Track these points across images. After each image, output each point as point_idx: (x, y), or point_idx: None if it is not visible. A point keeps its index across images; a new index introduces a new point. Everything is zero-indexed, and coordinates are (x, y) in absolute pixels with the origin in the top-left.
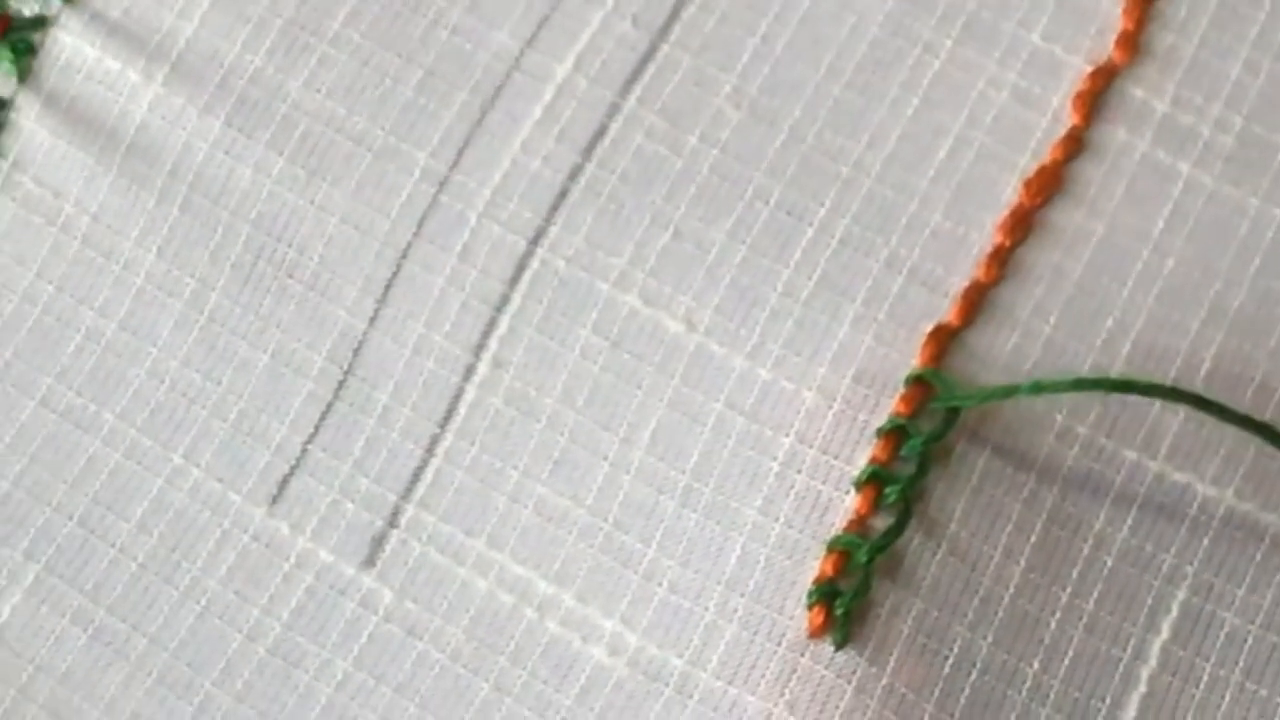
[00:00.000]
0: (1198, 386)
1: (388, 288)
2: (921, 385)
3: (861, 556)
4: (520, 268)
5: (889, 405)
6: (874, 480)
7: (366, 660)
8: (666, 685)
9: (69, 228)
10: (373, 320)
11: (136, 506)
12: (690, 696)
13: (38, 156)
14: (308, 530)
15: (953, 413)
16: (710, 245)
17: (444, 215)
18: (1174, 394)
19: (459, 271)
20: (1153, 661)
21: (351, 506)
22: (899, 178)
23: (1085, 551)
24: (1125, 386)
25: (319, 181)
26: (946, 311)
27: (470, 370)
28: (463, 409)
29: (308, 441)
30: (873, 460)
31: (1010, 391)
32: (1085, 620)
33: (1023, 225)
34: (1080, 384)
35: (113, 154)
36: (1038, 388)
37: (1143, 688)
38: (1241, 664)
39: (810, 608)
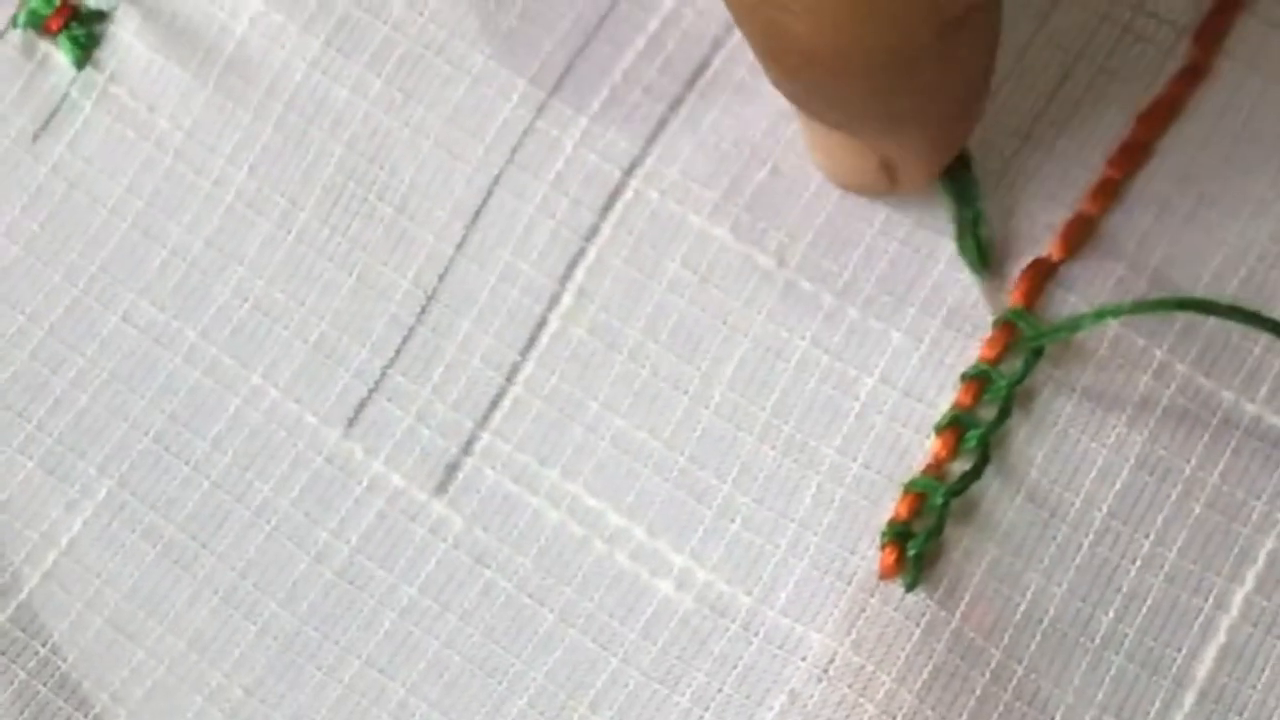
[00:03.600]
0: None
1: (477, 214)
2: (1009, 327)
3: (937, 499)
4: (613, 197)
5: (977, 348)
6: (954, 425)
7: (433, 586)
8: (733, 621)
9: (162, 143)
10: (460, 246)
11: (213, 425)
12: (755, 633)
13: (135, 70)
14: (382, 455)
15: (1035, 354)
16: (806, 186)
17: (539, 142)
18: (1256, 319)
19: (550, 199)
20: (1234, 612)
21: (427, 432)
22: (1000, 120)
23: (1172, 498)
24: (1195, 306)
25: (415, 104)
26: (1045, 247)
27: (555, 299)
28: (545, 338)
29: (388, 366)
30: (955, 405)
31: (1075, 324)
32: (1167, 569)
33: (1135, 158)
34: (1139, 306)
35: (210, 70)
36: (1101, 315)
37: (1221, 638)
38: None
39: (882, 549)
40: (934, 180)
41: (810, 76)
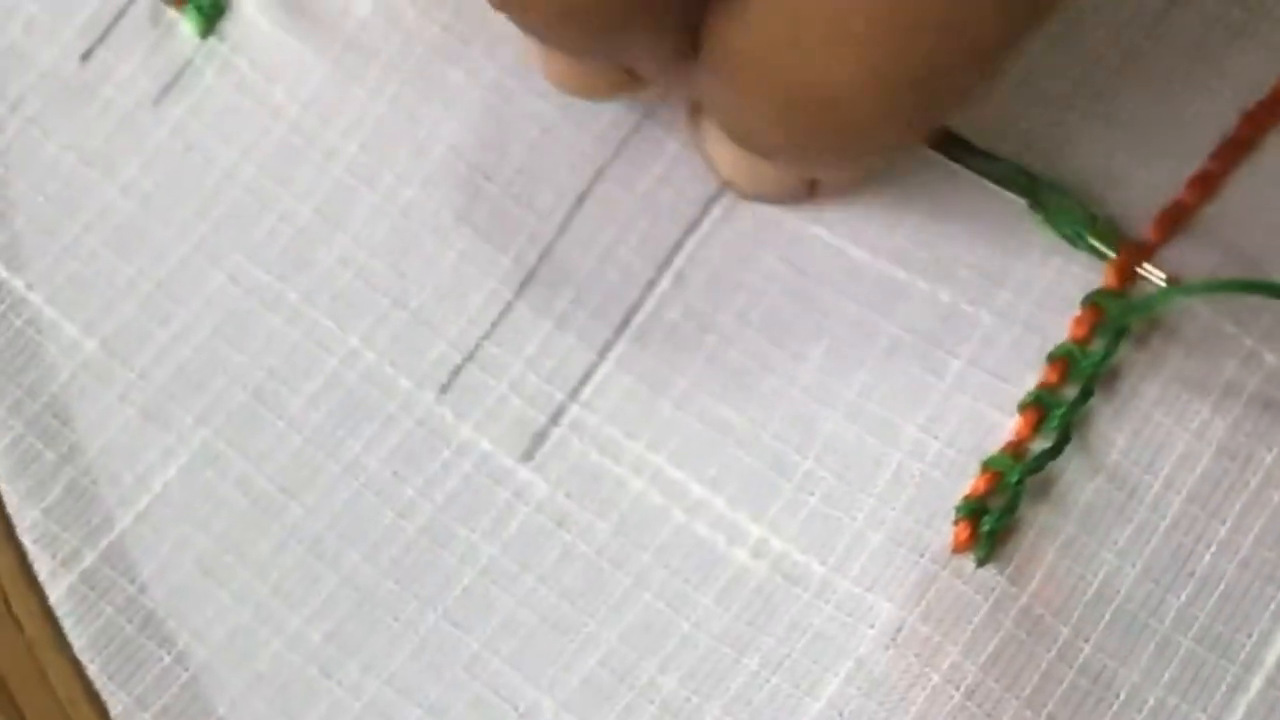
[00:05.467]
0: None
1: (581, 199)
2: (1097, 308)
3: (1013, 476)
4: (715, 196)
5: (1066, 329)
6: (1038, 404)
7: (513, 547)
8: (805, 590)
9: (278, 113)
10: (562, 228)
11: (309, 383)
12: (827, 601)
13: (256, 43)
14: (472, 420)
15: (1121, 333)
16: (898, 182)
17: (644, 140)
18: None
19: (653, 193)
20: None
21: (518, 402)
22: (1108, 112)
23: (1252, 486)
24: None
25: (526, 94)
26: (1142, 232)
27: (652, 284)
28: (639, 318)
29: (484, 337)
30: (1040, 384)
31: (1158, 301)
32: (1242, 555)
33: (1237, 154)
34: (1220, 285)
35: (329, 47)
36: (1186, 290)
37: None
38: None
39: (956, 523)
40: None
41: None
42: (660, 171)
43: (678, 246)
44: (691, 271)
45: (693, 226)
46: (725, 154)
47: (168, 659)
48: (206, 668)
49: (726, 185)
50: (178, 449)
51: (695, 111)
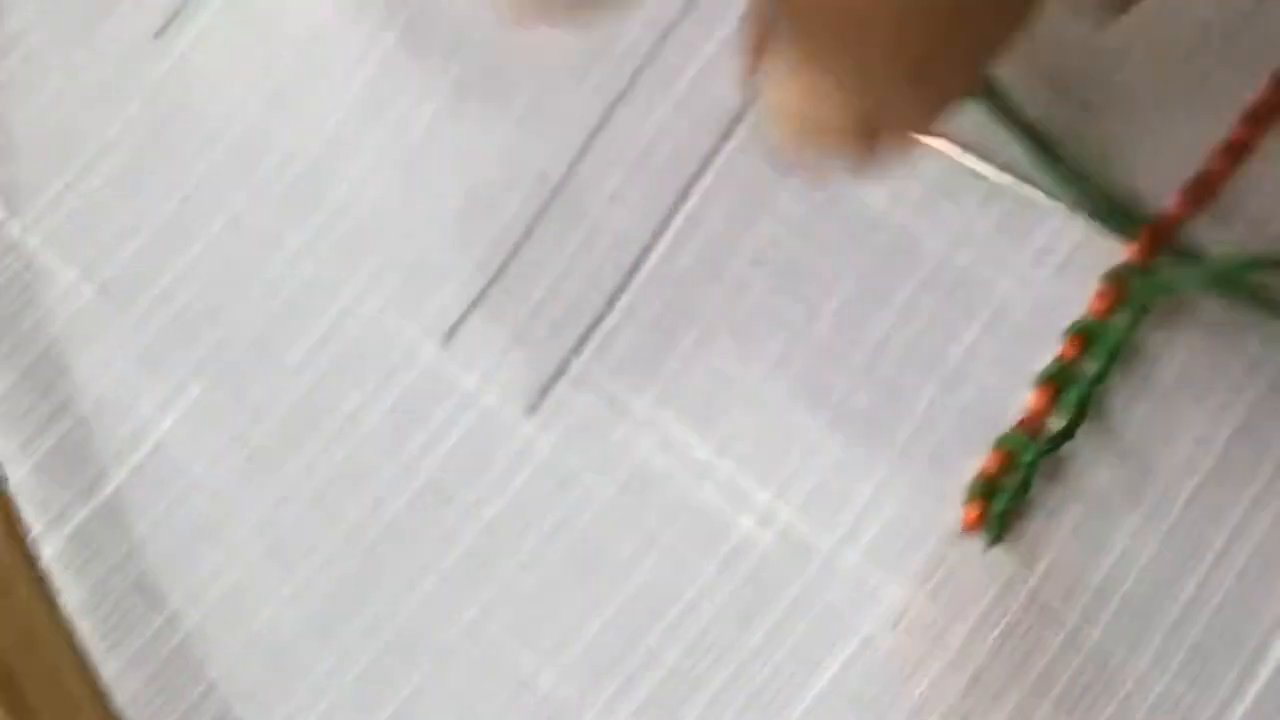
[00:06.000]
0: None
1: (594, 133)
2: (1120, 283)
3: (1027, 456)
4: (731, 125)
5: (1086, 302)
6: (1055, 378)
7: (515, 507)
8: (811, 562)
9: (288, 42)
10: (573, 165)
11: (309, 333)
12: (834, 575)
13: None
14: (476, 371)
15: (1142, 310)
16: (927, 140)
17: (662, 66)
18: None
19: (669, 122)
20: None
21: (523, 353)
22: (1130, 82)
23: (1268, 470)
24: None
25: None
26: (1167, 203)
27: (664, 225)
28: (648, 266)
29: (489, 284)
30: (1059, 358)
31: (1184, 282)
32: (1256, 538)
33: (1264, 121)
34: (1247, 264)
35: None
36: (1209, 274)
37: None
38: None
39: (967, 503)
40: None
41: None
42: (676, 100)
43: (694, 181)
44: (706, 210)
45: (710, 158)
46: (789, 97)
47: (159, 620)
48: (199, 630)
49: (785, 139)
50: (175, 400)
51: (757, 54)
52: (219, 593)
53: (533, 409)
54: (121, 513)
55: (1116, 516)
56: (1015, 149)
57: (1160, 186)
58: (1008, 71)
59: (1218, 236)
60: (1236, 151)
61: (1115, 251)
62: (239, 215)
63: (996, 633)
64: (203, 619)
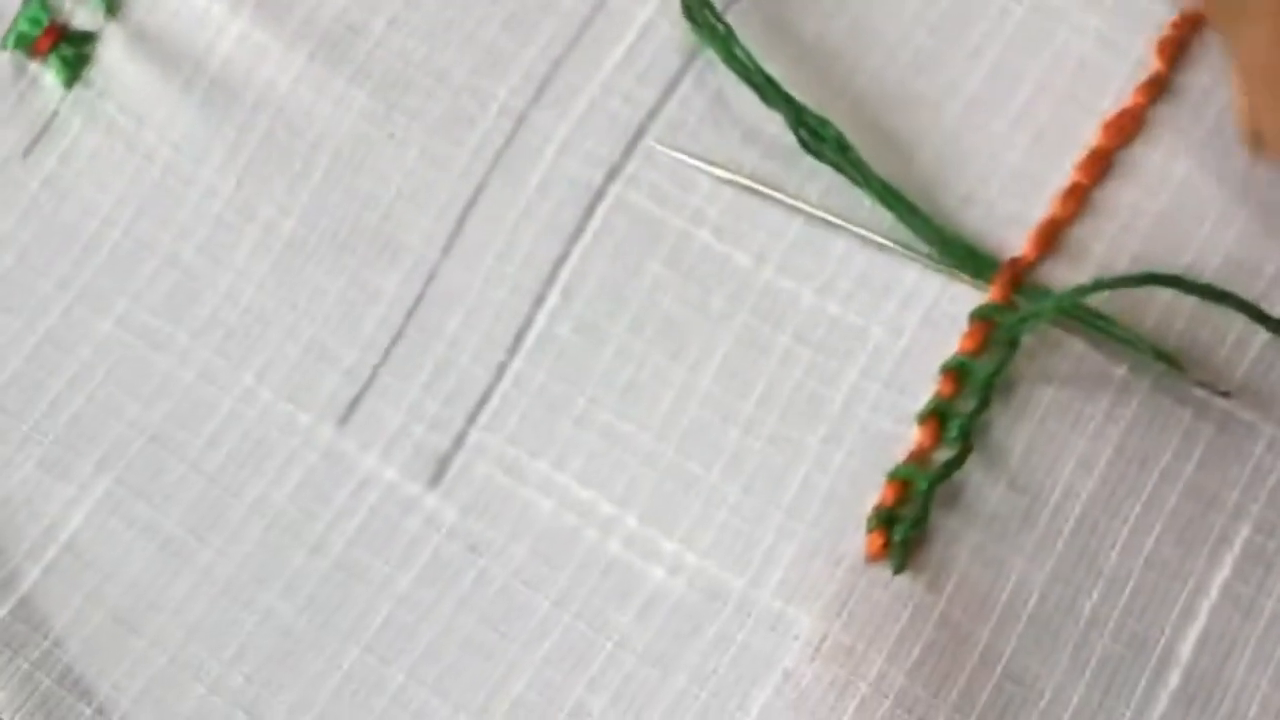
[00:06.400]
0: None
1: (461, 220)
2: (987, 321)
3: (921, 485)
4: (595, 201)
5: (955, 341)
6: (936, 414)
7: (428, 576)
8: (725, 604)
9: (151, 156)
10: (446, 250)
11: (207, 424)
12: (748, 614)
13: (123, 87)
14: (375, 450)
15: (1011, 345)
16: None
17: (521, 150)
18: (1219, 295)
19: (533, 204)
20: (1214, 595)
21: (419, 428)
22: (979, 120)
23: (1149, 487)
24: (1162, 281)
25: (398, 116)
26: (1020, 247)
27: (540, 299)
28: (531, 336)
29: (378, 365)
30: (936, 395)
31: (1044, 310)
32: (1146, 555)
33: (1101, 165)
34: (1100, 285)
35: (196, 86)
36: (1070, 296)
37: (1202, 621)
38: None
39: (869, 533)
40: None
41: None
42: (538, 183)
43: (563, 259)
44: (579, 284)
45: (576, 235)
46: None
47: (89, 711)
48: (129, 718)
49: (1252, 139)
50: (81, 498)
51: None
52: (144, 681)
53: (434, 481)
54: (39, 610)
55: (1013, 539)
56: (873, 204)
57: (1012, 231)
58: (860, 134)
59: (1070, 278)
60: (1078, 194)
61: (978, 295)
62: (124, 318)
63: (914, 657)
64: (131, 708)
